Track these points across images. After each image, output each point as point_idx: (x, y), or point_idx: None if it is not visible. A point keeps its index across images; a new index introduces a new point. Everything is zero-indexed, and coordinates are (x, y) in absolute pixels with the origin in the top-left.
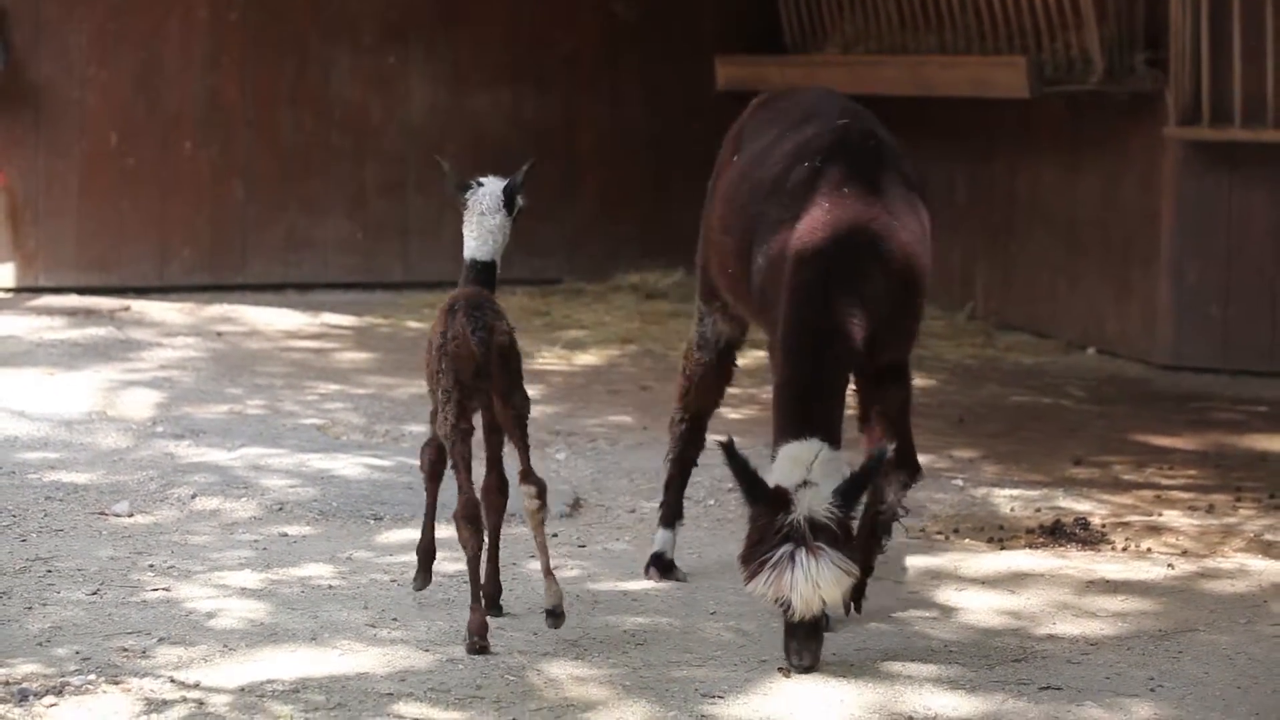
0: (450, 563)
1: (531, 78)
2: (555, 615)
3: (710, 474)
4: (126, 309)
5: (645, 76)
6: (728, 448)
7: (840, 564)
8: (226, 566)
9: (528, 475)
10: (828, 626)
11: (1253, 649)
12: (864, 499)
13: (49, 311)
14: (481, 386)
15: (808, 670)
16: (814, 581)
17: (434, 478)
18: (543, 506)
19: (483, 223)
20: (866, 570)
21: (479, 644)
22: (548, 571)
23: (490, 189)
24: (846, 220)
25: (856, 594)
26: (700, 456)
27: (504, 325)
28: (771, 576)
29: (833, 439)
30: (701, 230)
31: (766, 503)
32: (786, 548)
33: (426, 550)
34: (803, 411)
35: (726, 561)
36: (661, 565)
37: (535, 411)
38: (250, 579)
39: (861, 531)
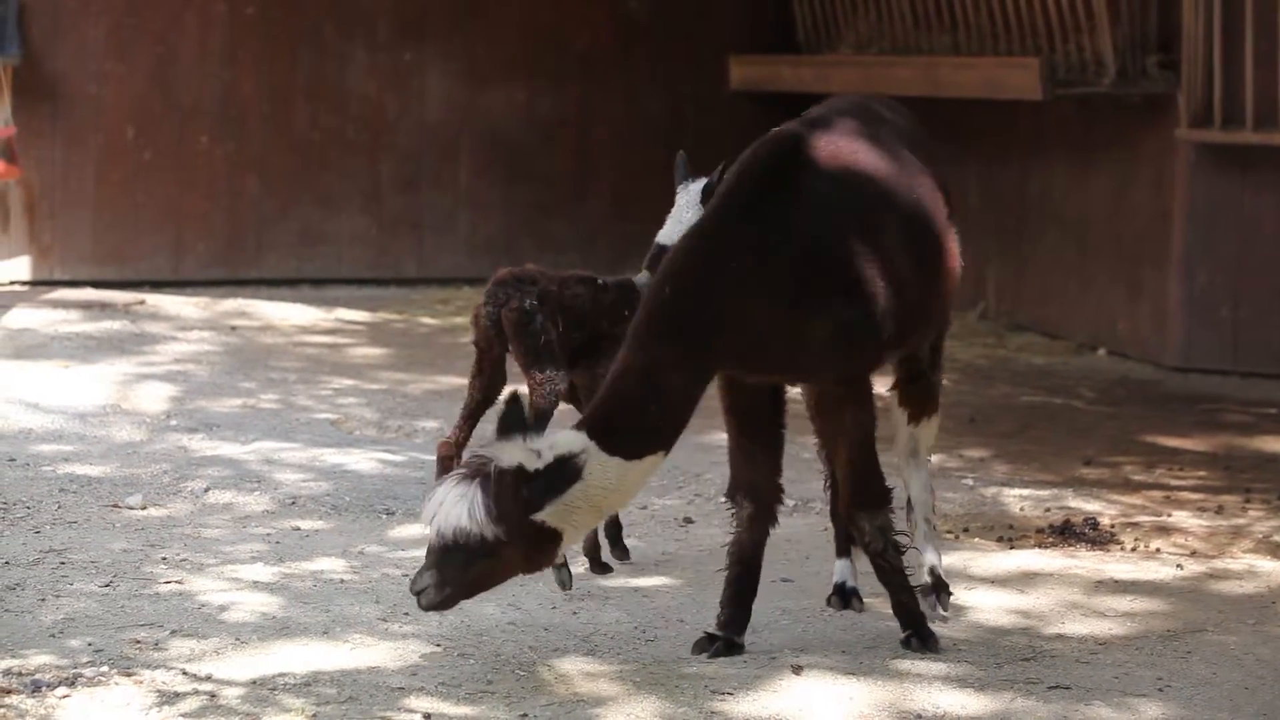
0: None
1: (546, 75)
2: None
3: (721, 471)
4: (141, 303)
5: (659, 75)
6: (511, 399)
7: (467, 499)
8: (239, 560)
9: None
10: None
11: (1261, 650)
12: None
13: (64, 305)
14: (489, 356)
15: (418, 597)
16: (439, 500)
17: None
18: None
19: (678, 215)
20: (899, 597)
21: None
22: None
23: (694, 187)
24: None
25: (911, 620)
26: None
27: (520, 302)
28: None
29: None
30: None
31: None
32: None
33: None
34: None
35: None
36: (843, 595)
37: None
38: (262, 572)
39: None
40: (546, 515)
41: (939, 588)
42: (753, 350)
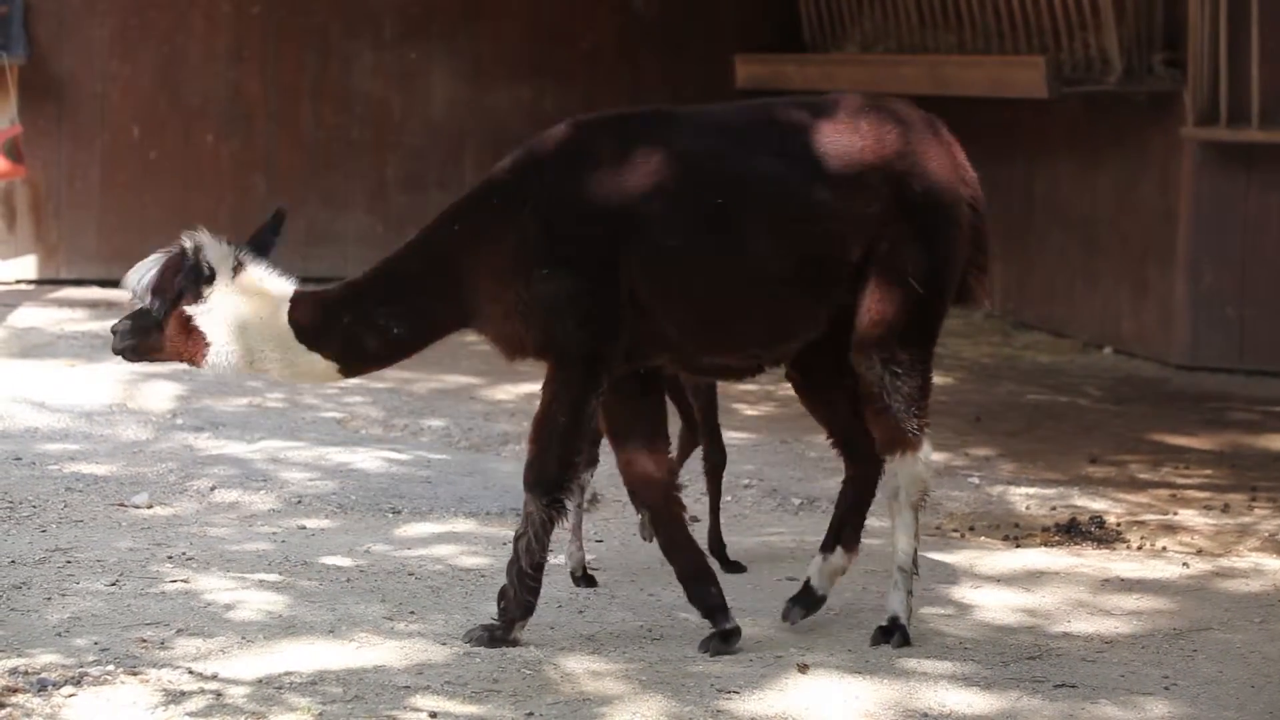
0: (469, 557)
1: (552, 73)
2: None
3: (729, 470)
4: None
5: (665, 73)
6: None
7: (151, 266)
8: (245, 559)
9: None
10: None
11: (1267, 648)
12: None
13: (70, 304)
14: None
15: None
16: (145, 259)
17: None
18: None
19: None
20: (505, 585)
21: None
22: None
23: None
24: None
25: (502, 611)
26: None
27: None
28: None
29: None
30: None
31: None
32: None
33: None
34: None
35: (742, 557)
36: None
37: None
38: (268, 571)
39: None
40: (194, 312)
41: (889, 632)
42: (472, 314)
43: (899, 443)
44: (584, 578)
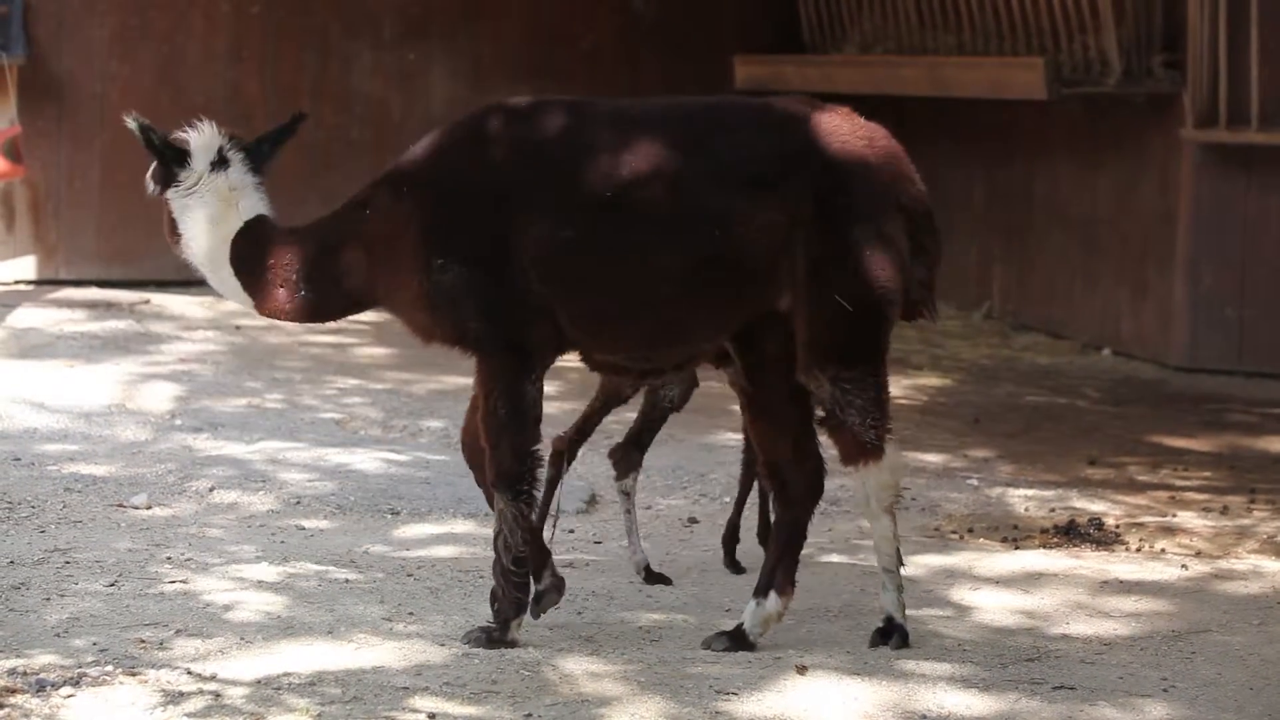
0: (467, 558)
1: (551, 74)
2: None
3: (726, 471)
4: (147, 302)
5: (664, 74)
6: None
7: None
8: (244, 559)
9: None
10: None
11: (1266, 650)
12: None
13: (69, 304)
14: None
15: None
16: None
17: None
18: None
19: None
20: (494, 586)
21: None
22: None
23: None
24: None
25: (495, 614)
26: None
27: None
28: None
29: None
30: None
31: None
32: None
33: None
34: None
35: (743, 559)
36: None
37: (553, 408)
38: (267, 572)
39: None
40: (170, 198)
41: (887, 633)
42: (381, 297)
43: (859, 455)
44: (652, 575)
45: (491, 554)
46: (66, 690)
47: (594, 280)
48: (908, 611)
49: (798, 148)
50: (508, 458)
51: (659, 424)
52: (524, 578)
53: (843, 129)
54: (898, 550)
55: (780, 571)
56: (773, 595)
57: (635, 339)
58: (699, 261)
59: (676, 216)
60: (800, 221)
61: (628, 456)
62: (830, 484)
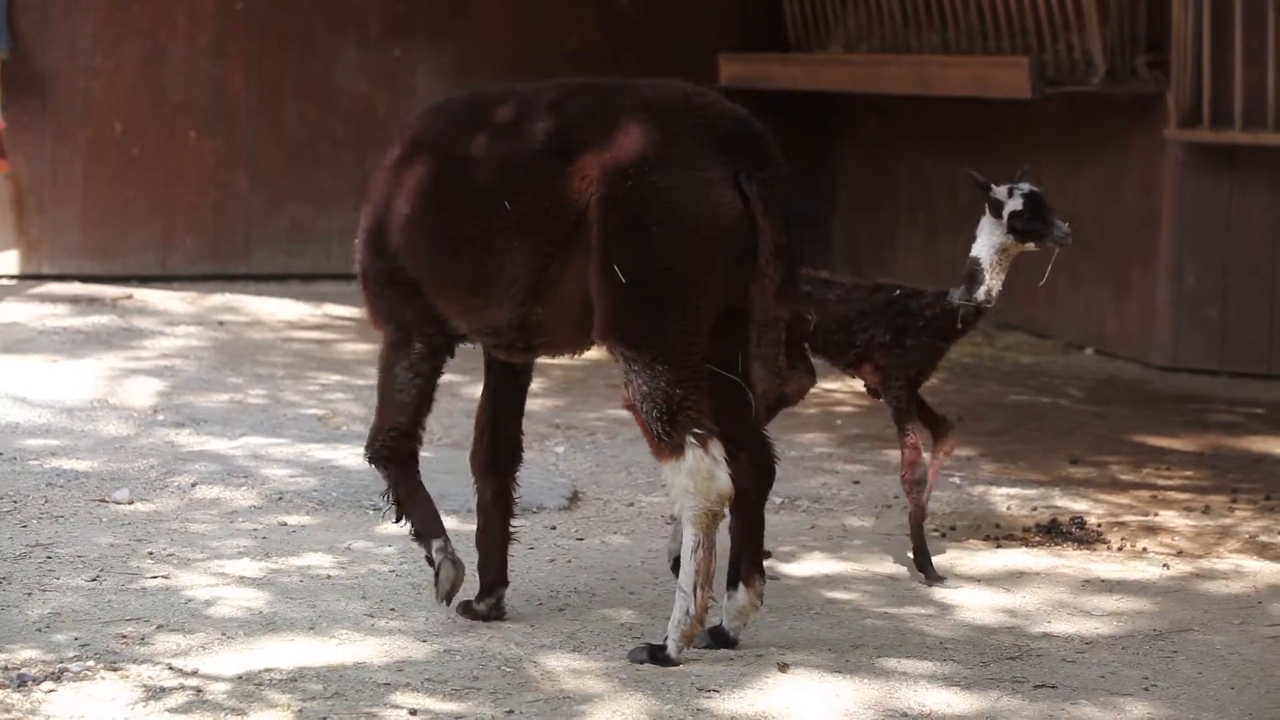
0: None
1: (536, 72)
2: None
3: None
4: (129, 297)
5: (649, 72)
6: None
7: None
8: (226, 555)
9: None
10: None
11: (1247, 649)
12: None
13: (52, 299)
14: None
15: None
16: None
17: None
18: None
19: (983, 227)
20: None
21: None
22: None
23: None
24: None
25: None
26: None
27: None
28: None
29: None
30: None
31: None
32: None
33: None
34: None
35: (723, 555)
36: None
37: (535, 405)
38: (249, 568)
39: None
40: None
41: (641, 652)
42: None
43: (655, 448)
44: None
45: (470, 556)
46: (48, 685)
47: (429, 256)
48: (889, 610)
49: (609, 122)
50: (375, 428)
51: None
52: (423, 524)
53: (667, 105)
54: (698, 574)
55: (744, 561)
56: (741, 587)
57: (483, 317)
58: (500, 231)
59: (484, 191)
60: (595, 200)
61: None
62: (812, 481)
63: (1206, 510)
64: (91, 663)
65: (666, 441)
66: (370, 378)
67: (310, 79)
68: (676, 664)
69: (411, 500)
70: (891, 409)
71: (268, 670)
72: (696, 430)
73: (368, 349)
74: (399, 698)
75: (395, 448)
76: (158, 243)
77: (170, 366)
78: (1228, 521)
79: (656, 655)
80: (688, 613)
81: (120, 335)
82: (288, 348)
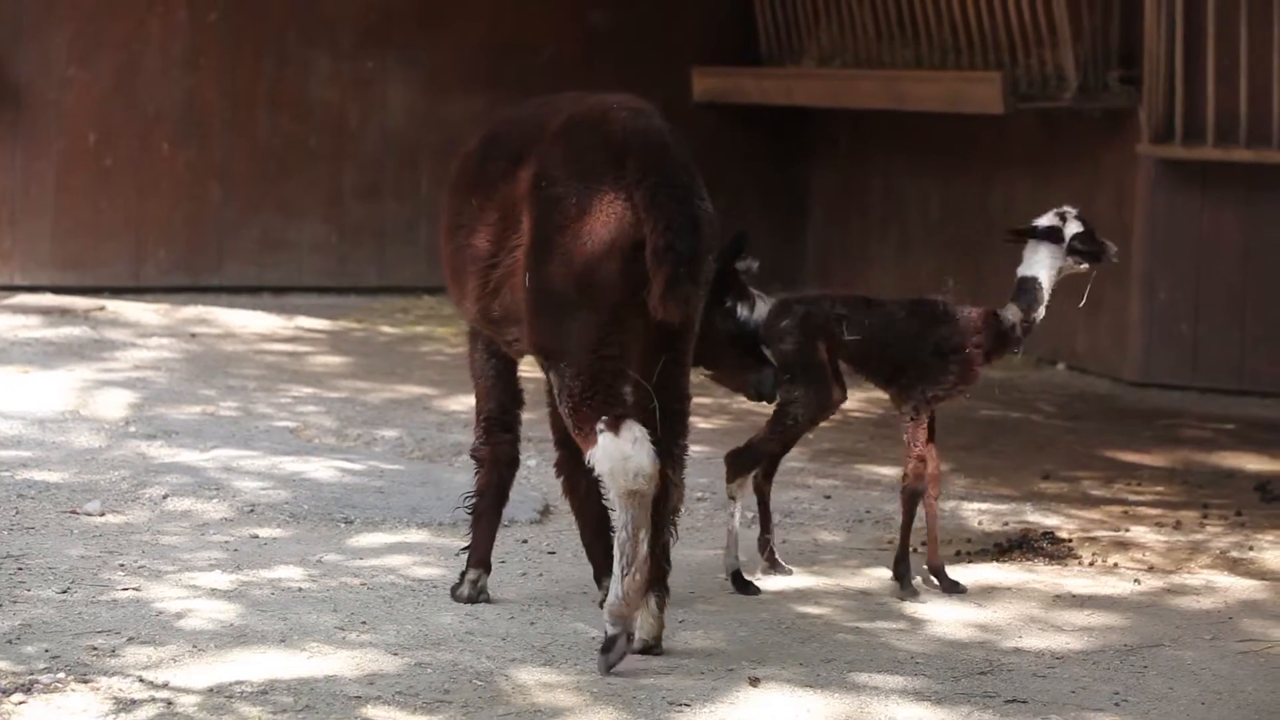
0: (421, 567)
1: (509, 84)
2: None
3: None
4: (102, 309)
5: (622, 85)
6: None
7: None
8: (197, 567)
9: None
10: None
11: (1218, 665)
12: None
13: (24, 310)
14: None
15: None
16: None
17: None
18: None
19: (1032, 250)
20: None
21: None
22: None
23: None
24: None
25: None
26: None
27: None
28: None
29: None
30: None
31: None
32: None
33: None
34: None
35: (696, 570)
36: None
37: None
38: (221, 580)
39: None
40: None
41: (607, 646)
42: None
43: (579, 443)
44: (741, 583)
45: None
46: (18, 697)
47: (441, 244)
48: (860, 625)
49: (543, 135)
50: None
51: (782, 438)
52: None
53: (581, 120)
54: (623, 555)
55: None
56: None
57: (471, 313)
58: (467, 225)
59: (464, 188)
60: (522, 198)
61: (738, 462)
62: (784, 495)
63: (1178, 525)
64: (62, 675)
65: (580, 433)
66: (341, 390)
67: (283, 90)
68: (618, 644)
69: (479, 520)
70: (909, 419)
71: (238, 683)
72: (605, 415)
73: (339, 361)
74: (370, 711)
75: (493, 443)
76: (130, 254)
77: (142, 378)
78: (1199, 537)
79: (606, 647)
80: (618, 595)
81: (92, 347)
82: (260, 360)
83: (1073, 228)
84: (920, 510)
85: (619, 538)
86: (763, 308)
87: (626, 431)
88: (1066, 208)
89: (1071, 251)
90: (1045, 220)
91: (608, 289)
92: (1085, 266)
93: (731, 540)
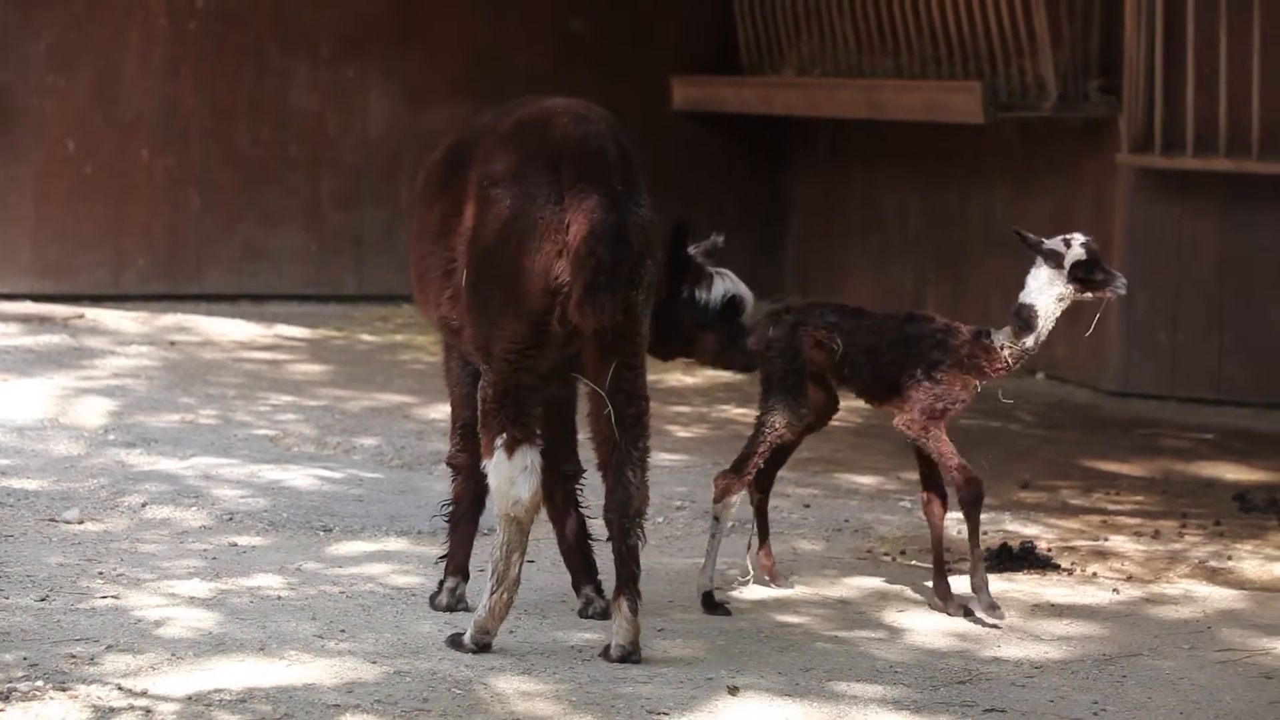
0: (400, 576)
1: (488, 93)
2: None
3: (660, 491)
4: (81, 317)
5: (602, 94)
6: None
7: None
8: (176, 575)
9: None
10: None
11: (1196, 675)
12: None
13: (3, 318)
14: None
15: None
16: None
17: None
18: None
19: (1035, 274)
20: None
21: None
22: None
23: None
24: None
25: None
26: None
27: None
28: None
29: None
30: None
31: None
32: None
33: None
34: None
35: (674, 579)
36: None
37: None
38: (199, 588)
39: None
40: None
41: (454, 640)
42: None
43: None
44: (711, 604)
45: (423, 577)
46: None
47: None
48: (839, 634)
49: (490, 139)
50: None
51: (764, 451)
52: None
53: (526, 125)
54: (494, 573)
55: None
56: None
57: (434, 320)
58: (428, 232)
59: (426, 200)
60: (469, 199)
61: (724, 480)
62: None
63: (1156, 535)
64: (40, 683)
65: (483, 438)
66: (321, 398)
67: (263, 98)
68: (470, 651)
69: (457, 528)
70: (917, 438)
71: (217, 691)
72: (504, 435)
73: (319, 370)
74: (349, 719)
75: (470, 450)
76: (110, 262)
77: (121, 386)
78: (1178, 546)
79: (454, 641)
80: (485, 609)
81: (71, 354)
82: (239, 368)
83: (1075, 255)
84: (926, 518)
85: (493, 556)
86: (722, 283)
87: (519, 458)
88: (1075, 234)
89: (1073, 279)
90: (1051, 243)
91: (532, 297)
92: (1090, 296)
93: (710, 560)
